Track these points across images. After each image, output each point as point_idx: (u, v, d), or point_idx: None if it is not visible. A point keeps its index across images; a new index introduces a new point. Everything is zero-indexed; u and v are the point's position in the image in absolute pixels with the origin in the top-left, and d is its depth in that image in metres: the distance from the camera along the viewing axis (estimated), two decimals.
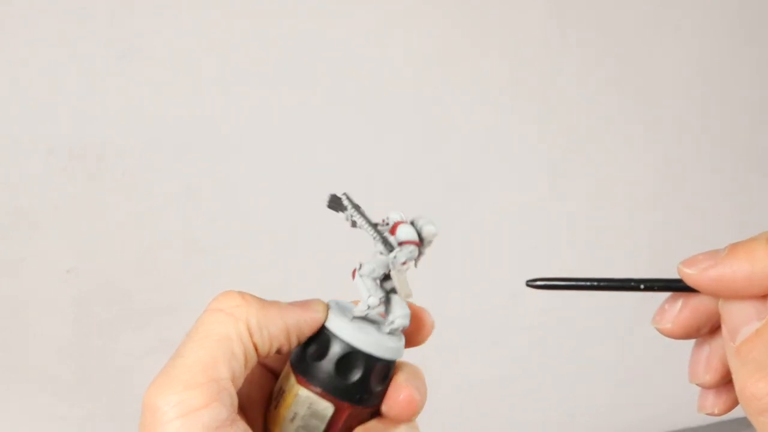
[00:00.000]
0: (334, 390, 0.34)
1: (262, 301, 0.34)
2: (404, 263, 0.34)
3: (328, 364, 0.34)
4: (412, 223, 0.35)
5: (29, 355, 0.76)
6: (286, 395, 0.34)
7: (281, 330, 0.33)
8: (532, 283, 0.33)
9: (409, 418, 0.35)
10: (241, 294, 0.33)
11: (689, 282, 0.30)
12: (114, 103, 0.77)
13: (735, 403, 0.33)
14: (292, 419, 0.34)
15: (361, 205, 0.35)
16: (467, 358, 0.96)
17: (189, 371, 0.30)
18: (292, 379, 0.35)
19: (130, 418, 0.80)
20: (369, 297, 0.34)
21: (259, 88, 0.82)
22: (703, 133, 1.05)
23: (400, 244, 0.34)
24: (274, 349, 0.34)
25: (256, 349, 0.33)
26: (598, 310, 1.01)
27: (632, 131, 1.01)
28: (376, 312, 0.35)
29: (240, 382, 0.32)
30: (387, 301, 0.35)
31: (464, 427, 0.98)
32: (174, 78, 0.79)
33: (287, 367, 0.35)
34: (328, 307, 0.35)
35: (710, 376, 0.32)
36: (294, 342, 0.34)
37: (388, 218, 0.35)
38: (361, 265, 0.35)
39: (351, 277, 0.35)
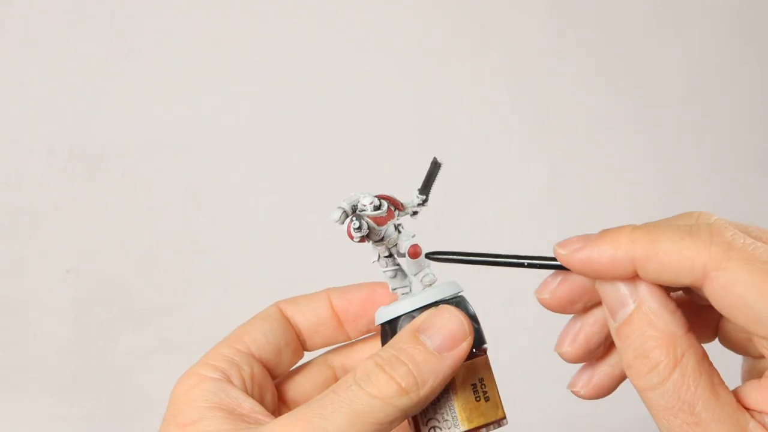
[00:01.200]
0: (482, 338, 0.36)
1: (418, 381, 0.32)
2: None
3: (474, 322, 0.35)
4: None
5: (29, 355, 0.76)
6: (490, 373, 0.36)
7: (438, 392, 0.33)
8: (431, 256, 0.36)
9: None
10: (397, 381, 0.32)
11: (561, 261, 0.32)
12: (114, 103, 0.77)
13: (603, 393, 0.35)
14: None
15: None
16: None
17: None
18: (482, 357, 0.35)
19: (130, 418, 0.80)
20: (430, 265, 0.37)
21: (259, 88, 0.82)
22: (703, 133, 1.04)
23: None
24: None
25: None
26: None
27: (632, 131, 1.01)
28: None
29: None
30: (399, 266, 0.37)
31: None
32: (174, 78, 0.79)
33: (475, 361, 0.35)
34: (470, 331, 0.34)
35: (572, 350, 0.35)
36: None
37: (362, 205, 0.35)
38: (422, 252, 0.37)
39: (416, 257, 0.36)
